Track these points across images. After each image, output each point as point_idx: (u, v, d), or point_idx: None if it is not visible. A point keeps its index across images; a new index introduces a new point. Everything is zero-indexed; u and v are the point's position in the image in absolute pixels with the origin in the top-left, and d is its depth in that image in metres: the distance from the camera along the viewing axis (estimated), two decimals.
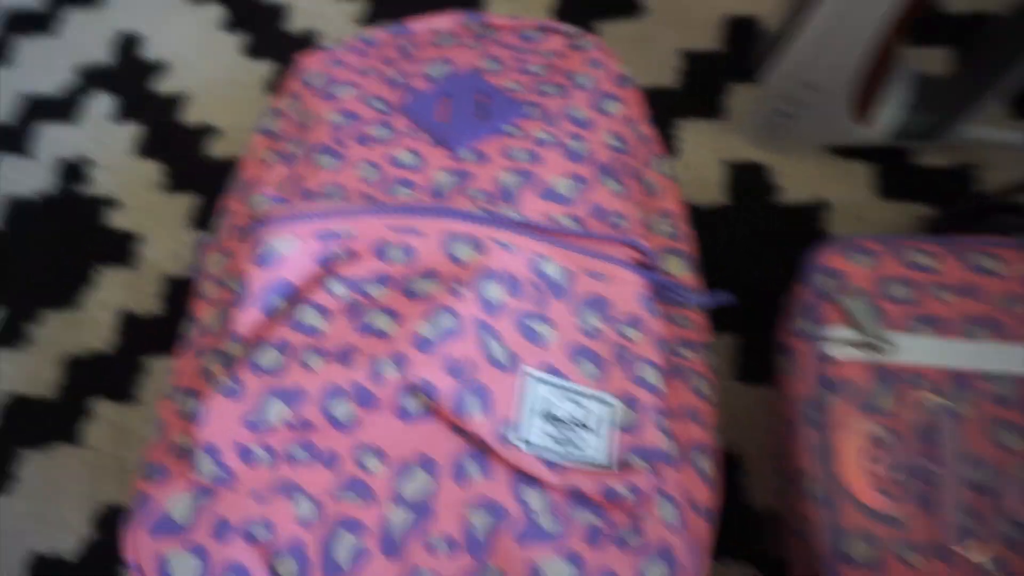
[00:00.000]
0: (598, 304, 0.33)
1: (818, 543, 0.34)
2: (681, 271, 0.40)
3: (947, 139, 0.48)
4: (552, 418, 0.31)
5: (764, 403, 0.45)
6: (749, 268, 0.48)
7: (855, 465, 0.34)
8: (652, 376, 0.33)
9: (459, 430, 0.30)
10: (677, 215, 0.41)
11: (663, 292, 0.37)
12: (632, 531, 0.31)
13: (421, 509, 0.30)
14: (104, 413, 0.50)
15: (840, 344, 0.37)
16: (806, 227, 0.48)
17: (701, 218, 0.49)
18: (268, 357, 0.31)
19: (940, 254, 0.38)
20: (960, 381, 0.35)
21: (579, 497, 0.30)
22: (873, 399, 0.35)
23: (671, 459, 0.32)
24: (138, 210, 0.57)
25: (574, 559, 0.30)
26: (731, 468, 0.43)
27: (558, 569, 0.29)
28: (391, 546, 0.30)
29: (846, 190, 0.50)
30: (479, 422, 0.30)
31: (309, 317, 0.32)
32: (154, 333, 0.52)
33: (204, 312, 0.37)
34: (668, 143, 0.53)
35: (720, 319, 0.47)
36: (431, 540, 0.30)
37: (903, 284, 0.37)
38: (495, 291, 0.32)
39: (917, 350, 0.36)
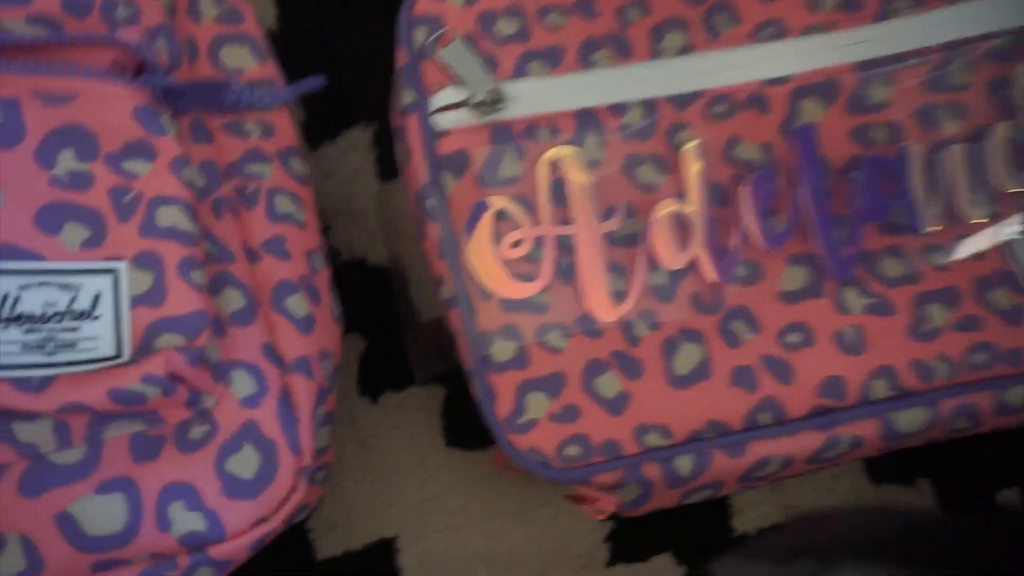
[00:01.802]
0: (75, 137, 0.23)
1: (463, 353, 0.28)
2: (247, 61, 0.30)
3: None
4: (20, 319, 0.22)
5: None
6: (367, 37, 0.38)
7: (485, 253, 0.28)
8: (174, 218, 0.24)
9: None
10: None
11: (209, 99, 0.27)
12: (198, 422, 0.23)
13: None
14: None
15: (449, 110, 0.29)
16: None
17: None
18: None
19: None
20: (587, 121, 0.29)
21: (94, 411, 0.22)
22: (494, 168, 0.29)
23: (238, 313, 0.25)
24: None
25: (120, 486, 0.22)
26: (396, 284, 0.37)
27: (99, 506, 0.22)
28: None
29: None
30: None
31: None
32: None
33: None
34: None
35: (348, 108, 0.38)
36: None
37: (509, 16, 0.30)
38: None
39: (534, 96, 0.29)
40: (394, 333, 0.36)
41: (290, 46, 0.38)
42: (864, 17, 0.31)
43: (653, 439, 0.27)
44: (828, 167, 0.30)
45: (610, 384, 0.27)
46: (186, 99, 0.26)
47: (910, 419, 0.28)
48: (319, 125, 0.38)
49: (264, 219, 0.27)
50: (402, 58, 0.30)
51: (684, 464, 0.27)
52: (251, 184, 0.27)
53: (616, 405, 0.27)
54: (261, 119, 0.29)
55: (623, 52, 0.30)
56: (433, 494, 0.35)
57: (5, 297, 0.22)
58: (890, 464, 0.36)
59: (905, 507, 0.33)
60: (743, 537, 0.35)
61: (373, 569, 0.34)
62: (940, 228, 0.29)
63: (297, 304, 0.26)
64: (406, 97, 0.29)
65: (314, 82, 0.31)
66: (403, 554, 0.35)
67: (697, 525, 0.35)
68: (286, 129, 0.30)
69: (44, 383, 0.21)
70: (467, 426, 0.36)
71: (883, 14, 0.31)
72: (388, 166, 0.38)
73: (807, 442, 0.28)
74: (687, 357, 0.28)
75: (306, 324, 0.26)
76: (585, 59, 0.30)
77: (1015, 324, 0.28)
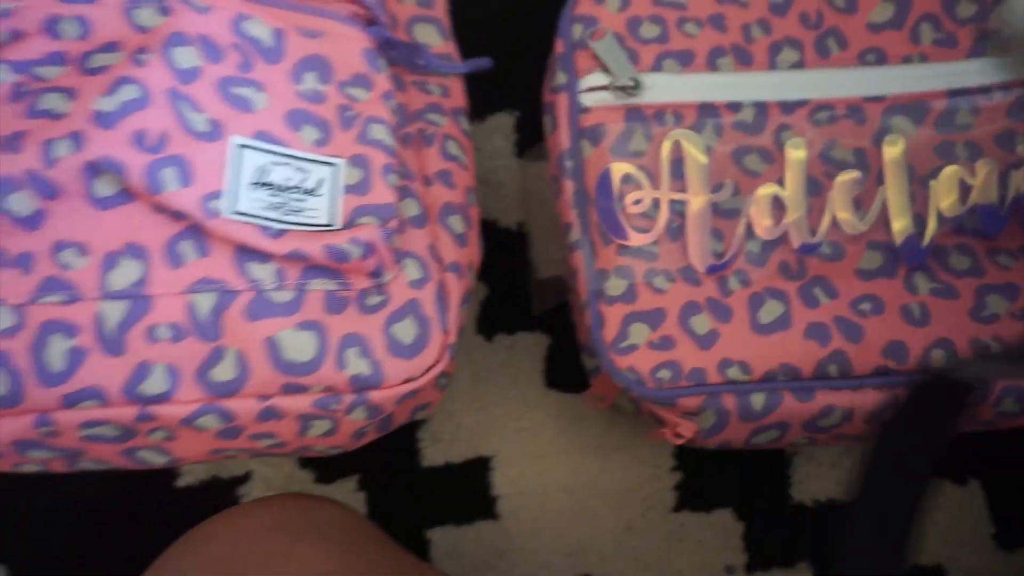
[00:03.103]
0: (317, 64, 0.31)
1: (580, 287, 0.34)
2: (434, 39, 0.37)
3: None
4: (268, 185, 0.28)
5: (545, 177, 0.44)
6: (522, 35, 0.46)
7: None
8: (381, 134, 0.31)
9: (166, 210, 0.28)
10: None
11: (406, 58, 0.34)
12: (374, 292, 0.29)
13: (136, 299, 0.27)
14: None
15: (594, 91, 0.35)
16: None
17: None
18: None
19: None
20: (707, 113, 0.35)
21: (312, 266, 0.29)
22: (625, 141, 0.35)
23: (415, 218, 0.31)
24: None
25: (314, 327, 0.28)
26: (519, 244, 0.43)
27: (296, 339, 0.28)
28: (108, 342, 0.27)
29: None
30: (178, 196, 0.27)
31: None
32: None
33: None
34: None
35: (498, 96, 0.45)
36: (152, 330, 0.27)
37: (652, 22, 0.36)
38: (188, 56, 0.28)
39: (666, 87, 0.35)
40: (512, 285, 0.42)
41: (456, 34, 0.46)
42: (958, 52, 0.36)
43: (734, 372, 0.32)
44: (915, 173, 0.34)
45: (702, 323, 0.32)
46: (395, 52, 0.33)
47: None
48: (472, 106, 0.45)
49: (438, 156, 0.34)
50: (559, 47, 0.36)
51: (758, 400, 0.32)
52: (430, 128, 0.34)
53: (706, 341, 0.32)
54: (441, 83, 0.36)
55: (744, 61, 0.36)
56: (528, 425, 0.40)
57: (260, 167, 0.29)
58: None
59: None
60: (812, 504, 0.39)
61: (469, 482, 0.40)
62: (1009, 235, 0.34)
63: (456, 223, 0.32)
64: (559, 78, 0.36)
65: (483, 62, 0.37)
66: (496, 472, 0.40)
67: (759, 491, 0.39)
68: (458, 94, 0.37)
69: (279, 234, 0.28)
70: (564, 372, 0.41)
71: (976, 51, 0.36)
72: (525, 148, 0.44)
73: (868, 399, 0.32)
74: (770, 310, 0.33)
75: (462, 240, 0.32)
76: (712, 63, 0.36)
77: None
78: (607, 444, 0.40)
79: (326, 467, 0.39)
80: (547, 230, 0.43)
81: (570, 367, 0.41)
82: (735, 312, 0.33)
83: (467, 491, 0.39)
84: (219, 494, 0.39)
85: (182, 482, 0.39)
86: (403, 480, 0.39)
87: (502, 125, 0.45)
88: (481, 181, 0.44)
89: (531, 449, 0.40)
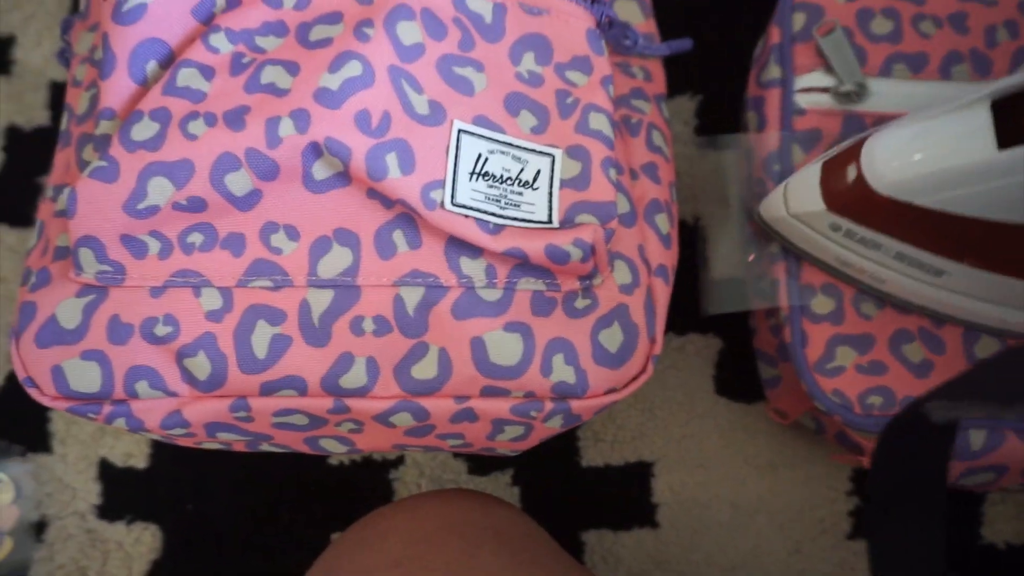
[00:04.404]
0: (537, 44, 0.29)
1: (781, 300, 0.32)
2: (636, 16, 0.35)
3: None
4: (486, 175, 0.27)
5: (727, 168, 0.41)
6: (716, 17, 0.43)
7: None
8: (600, 123, 0.28)
9: (379, 196, 0.26)
10: None
11: (614, 37, 0.32)
12: (583, 295, 0.28)
13: (343, 288, 0.26)
14: (3, 239, 0.45)
15: (812, 92, 0.32)
16: None
17: None
18: (143, 129, 0.26)
19: None
20: None
21: (522, 264, 0.27)
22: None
23: (625, 216, 0.29)
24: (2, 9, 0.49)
25: (520, 330, 0.27)
26: (695, 238, 0.40)
27: (504, 341, 0.27)
28: (313, 331, 0.26)
29: None
30: (400, 184, 0.26)
31: (189, 79, 0.26)
32: (46, 148, 0.45)
33: (78, 99, 0.31)
34: None
35: (679, 78, 0.42)
36: (358, 321, 0.26)
37: (886, 16, 0.33)
38: (410, 31, 0.27)
39: (892, 95, 0.32)
40: (685, 282, 0.40)
41: None
42: None
43: None
44: None
45: (915, 352, 0.30)
46: (610, 32, 0.31)
47: None
48: None
49: (643, 147, 0.31)
50: (775, 36, 0.33)
51: (978, 438, 0.29)
52: (635, 116, 0.32)
53: (921, 370, 0.30)
54: (643, 66, 0.34)
55: (982, 70, 0.32)
56: (694, 432, 0.38)
57: (479, 156, 0.27)
58: None
59: None
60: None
61: (629, 486, 0.38)
62: None
63: (662, 222, 0.30)
64: (772, 72, 0.33)
65: (684, 43, 0.35)
66: (657, 479, 0.38)
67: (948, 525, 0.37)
68: (660, 78, 0.34)
69: (498, 229, 0.26)
70: (737, 379, 0.39)
71: None
72: (703, 135, 0.42)
73: None
74: (988, 347, 0.30)
75: (667, 240, 0.30)
76: (945, 70, 0.32)
77: None
78: (778, 460, 0.38)
79: (481, 458, 0.38)
80: (726, 228, 0.40)
81: (743, 375, 0.39)
82: (949, 345, 0.30)
83: (626, 495, 0.38)
84: (371, 475, 0.39)
85: (334, 460, 0.39)
86: (560, 478, 0.38)
87: (682, 109, 0.42)
88: None
89: (695, 457, 0.38)
